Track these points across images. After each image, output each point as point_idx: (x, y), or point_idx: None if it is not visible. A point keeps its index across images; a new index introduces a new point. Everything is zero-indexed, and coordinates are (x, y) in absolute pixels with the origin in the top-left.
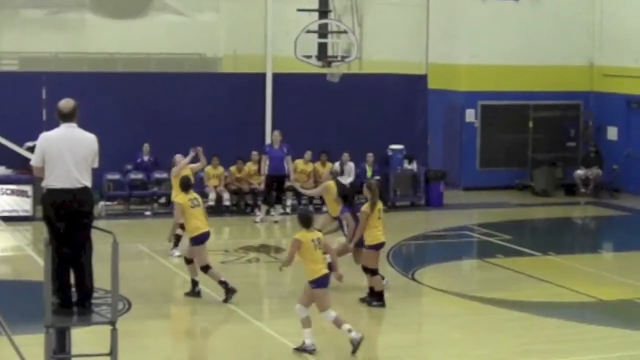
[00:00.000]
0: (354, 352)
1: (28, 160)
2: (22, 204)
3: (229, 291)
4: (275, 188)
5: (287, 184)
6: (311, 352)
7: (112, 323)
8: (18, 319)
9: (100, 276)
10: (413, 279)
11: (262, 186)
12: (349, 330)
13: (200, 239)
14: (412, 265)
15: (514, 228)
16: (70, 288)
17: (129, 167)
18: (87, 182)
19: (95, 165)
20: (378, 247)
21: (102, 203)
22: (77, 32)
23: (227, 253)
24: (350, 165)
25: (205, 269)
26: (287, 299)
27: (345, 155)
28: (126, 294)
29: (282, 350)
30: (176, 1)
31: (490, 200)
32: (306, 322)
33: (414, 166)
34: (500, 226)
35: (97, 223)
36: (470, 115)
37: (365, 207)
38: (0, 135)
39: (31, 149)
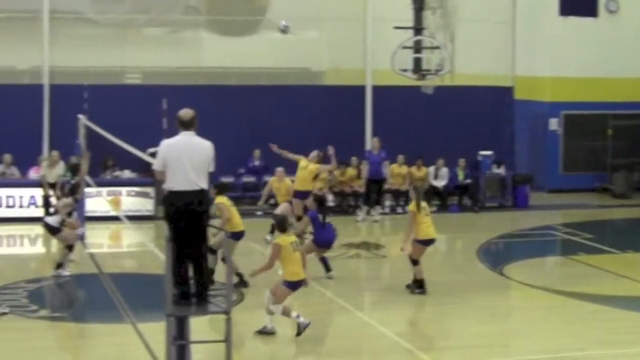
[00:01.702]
0: (298, 334)
1: (150, 164)
2: (145, 205)
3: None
4: (375, 190)
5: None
6: (271, 333)
7: (227, 312)
8: (142, 308)
9: (216, 270)
10: (501, 274)
11: (363, 189)
12: (297, 316)
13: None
14: (500, 261)
15: (595, 227)
16: (189, 281)
17: (242, 170)
18: (204, 184)
19: (212, 169)
20: (427, 242)
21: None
22: (193, 49)
23: (331, 249)
24: (444, 170)
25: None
26: (386, 291)
27: (440, 162)
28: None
29: (381, 338)
30: (282, 20)
31: (572, 201)
32: (287, 311)
33: (502, 170)
34: (582, 226)
35: (212, 222)
36: (553, 123)
37: (411, 207)
38: (126, 142)
39: (153, 155)
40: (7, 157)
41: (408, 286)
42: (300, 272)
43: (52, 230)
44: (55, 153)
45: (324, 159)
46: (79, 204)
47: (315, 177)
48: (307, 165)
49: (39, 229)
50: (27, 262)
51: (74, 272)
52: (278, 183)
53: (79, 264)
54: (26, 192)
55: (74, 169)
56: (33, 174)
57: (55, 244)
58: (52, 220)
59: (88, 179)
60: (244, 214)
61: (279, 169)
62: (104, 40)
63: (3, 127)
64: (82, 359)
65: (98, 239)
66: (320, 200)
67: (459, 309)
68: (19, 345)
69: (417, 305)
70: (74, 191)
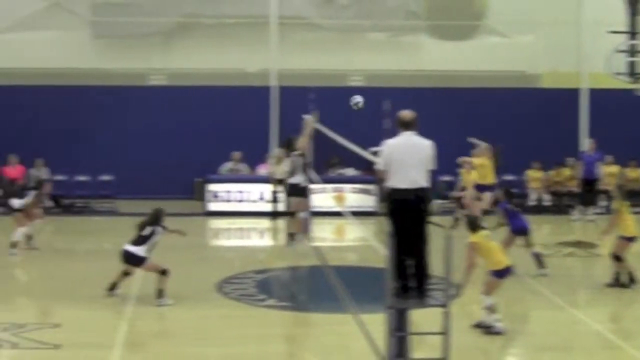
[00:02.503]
0: (486, 331)
1: (372, 163)
2: (367, 201)
3: None
4: (589, 190)
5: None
6: (497, 333)
7: (445, 306)
8: (362, 300)
9: (434, 265)
10: None
11: (578, 188)
12: (497, 320)
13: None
14: None
15: None
16: (408, 275)
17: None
18: (425, 182)
19: (432, 167)
20: (632, 239)
21: (436, 201)
22: (414, 53)
23: (546, 247)
24: None
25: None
26: (600, 289)
27: None
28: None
29: (594, 335)
30: (499, 25)
31: None
32: (492, 308)
33: None
34: None
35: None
36: None
37: (616, 204)
38: (349, 141)
39: (375, 154)
40: (237, 155)
41: (611, 284)
42: (503, 260)
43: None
44: (281, 151)
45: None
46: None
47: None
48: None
49: (266, 223)
50: (255, 254)
51: (298, 264)
52: (467, 175)
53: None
54: (255, 188)
55: None
56: (261, 170)
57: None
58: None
59: (314, 175)
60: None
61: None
62: (329, 44)
63: (233, 126)
64: (306, 346)
65: (322, 233)
66: (507, 191)
67: None
68: (248, 332)
69: (631, 303)
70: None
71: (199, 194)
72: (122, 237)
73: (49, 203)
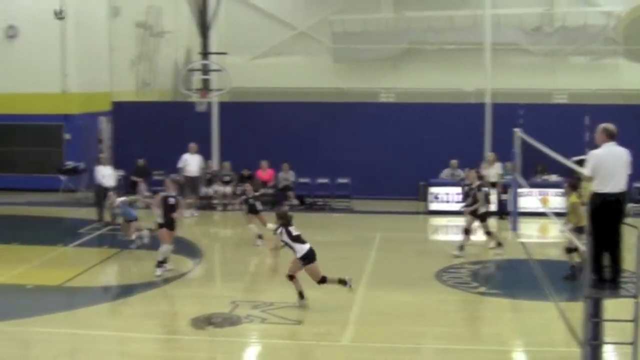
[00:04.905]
0: None
1: (573, 170)
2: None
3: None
4: None
5: None
6: None
7: (636, 297)
8: (562, 290)
9: (627, 260)
10: None
11: None
12: None
13: None
14: None
15: None
16: (605, 268)
17: None
18: (625, 186)
19: (629, 172)
20: None
21: (630, 204)
22: (611, 73)
23: None
24: None
25: None
26: None
27: None
28: None
29: None
30: None
31: None
32: None
33: None
34: None
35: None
36: None
37: None
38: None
39: (578, 162)
40: (454, 162)
41: None
42: None
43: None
44: (493, 155)
45: None
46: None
47: None
48: None
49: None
50: (469, 248)
51: (506, 257)
52: None
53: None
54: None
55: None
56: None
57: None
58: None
59: (521, 180)
60: None
61: None
62: (537, 66)
63: (452, 137)
64: (513, 327)
65: (528, 230)
66: None
67: None
68: (461, 315)
69: None
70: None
71: (422, 195)
72: (356, 230)
73: (295, 202)
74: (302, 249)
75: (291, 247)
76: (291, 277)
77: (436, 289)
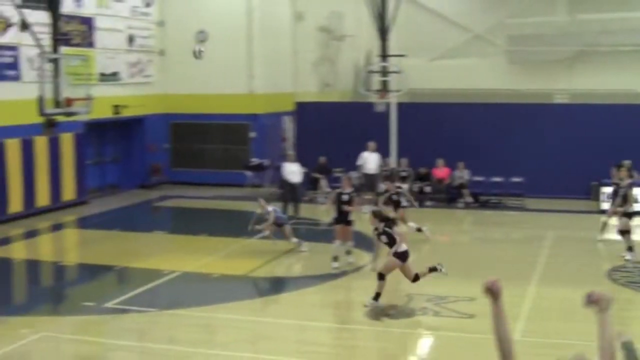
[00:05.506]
0: None
1: None
2: None
3: None
4: None
5: None
6: None
7: None
8: None
9: None
10: None
11: None
12: None
13: None
14: None
15: None
16: None
17: None
18: None
19: None
20: None
21: None
22: None
23: None
24: None
25: None
26: None
27: None
28: None
29: None
30: None
31: None
32: None
33: None
34: None
35: None
36: None
37: None
38: None
39: None
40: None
41: None
42: None
43: None
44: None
45: None
46: None
47: None
48: None
49: None
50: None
51: None
52: None
53: None
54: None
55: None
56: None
57: None
58: None
59: None
60: None
61: None
62: None
63: (624, 138)
64: None
65: None
66: None
67: None
68: (629, 314)
69: None
70: None
71: (594, 195)
72: (529, 229)
73: (469, 199)
74: (402, 246)
75: (388, 244)
76: (381, 276)
77: (605, 288)
